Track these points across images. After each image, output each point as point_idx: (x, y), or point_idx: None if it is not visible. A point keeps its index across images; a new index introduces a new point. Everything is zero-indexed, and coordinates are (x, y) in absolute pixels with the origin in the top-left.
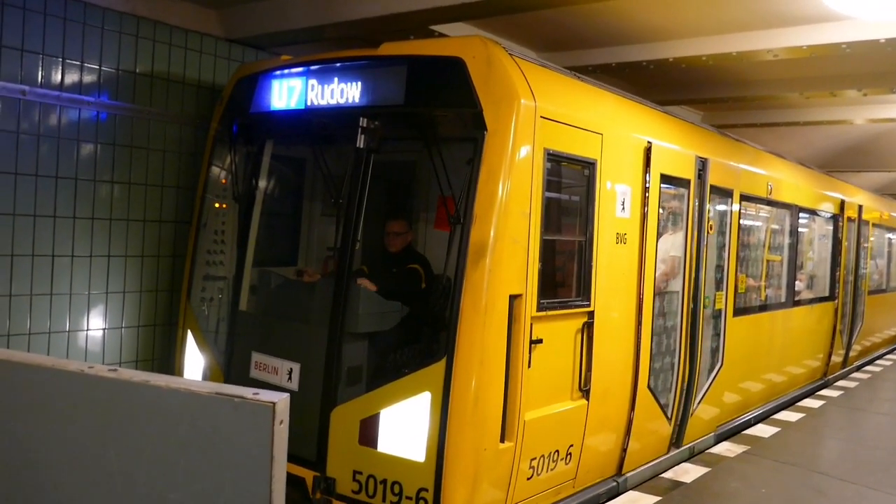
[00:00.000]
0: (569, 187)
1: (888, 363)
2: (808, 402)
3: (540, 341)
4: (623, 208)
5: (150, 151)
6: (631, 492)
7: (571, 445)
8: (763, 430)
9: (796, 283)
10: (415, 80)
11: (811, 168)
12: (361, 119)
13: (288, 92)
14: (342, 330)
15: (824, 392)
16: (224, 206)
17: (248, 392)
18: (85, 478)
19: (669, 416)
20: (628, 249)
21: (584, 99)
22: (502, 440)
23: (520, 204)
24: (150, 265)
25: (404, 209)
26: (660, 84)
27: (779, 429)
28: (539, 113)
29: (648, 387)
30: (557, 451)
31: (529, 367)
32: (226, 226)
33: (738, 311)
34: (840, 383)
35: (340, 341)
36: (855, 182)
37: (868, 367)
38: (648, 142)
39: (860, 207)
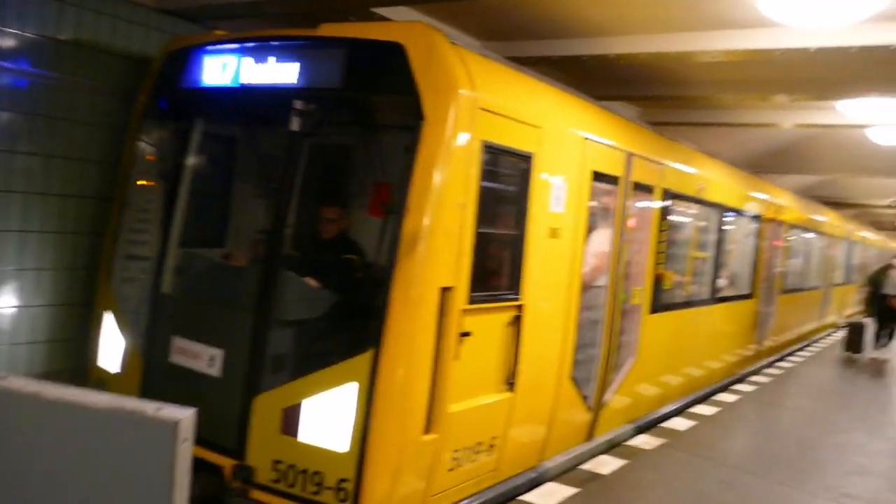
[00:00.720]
0: (505, 180)
1: (799, 359)
2: (724, 396)
3: (469, 334)
4: (557, 203)
5: (73, 123)
6: (550, 483)
7: (495, 437)
8: (680, 424)
9: (718, 280)
10: (353, 64)
11: (739, 169)
12: (297, 101)
13: (221, 69)
14: (269, 316)
15: (739, 387)
16: (150, 183)
17: (149, 408)
18: None
19: (590, 405)
20: (560, 244)
21: (523, 92)
22: (426, 432)
23: (455, 195)
24: (69, 242)
25: (339, 195)
26: (599, 79)
27: (695, 422)
28: (478, 104)
29: (572, 377)
30: (481, 442)
31: (457, 359)
32: (151, 204)
33: (657, 307)
34: (753, 378)
35: (266, 328)
36: (781, 183)
37: (780, 363)
38: (584, 137)
39: (779, 208)
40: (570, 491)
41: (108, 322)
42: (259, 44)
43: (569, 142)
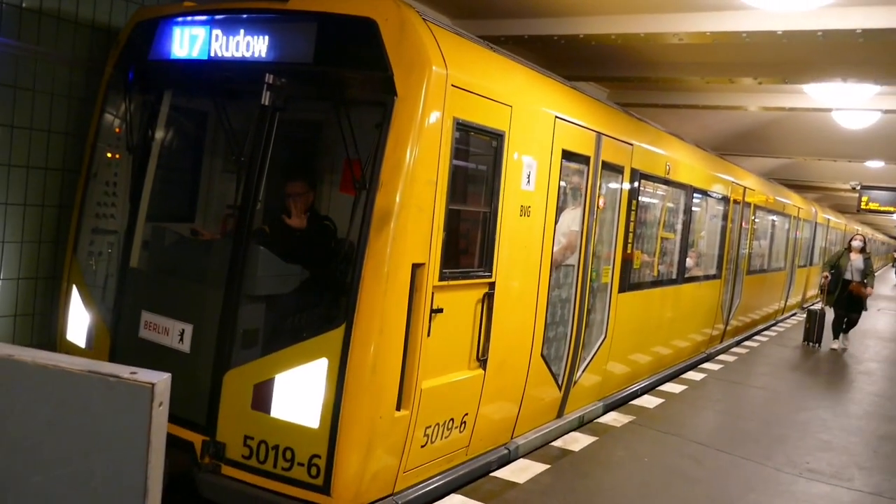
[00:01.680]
0: (476, 158)
1: (764, 339)
2: (691, 375)
3: (440, 311)
4: (528, 181)
5: (37, 93)
6: (522, 460)
7: (466, 414)
8: (649, 401)
9: (687, 260)
10: (324, 39)
11: (707, 150)
12: (267, 76)
13: (190, 41)
14: (239, 291)
15: (706, 365)
16: (117, 156)
17: (124, 371)
18: None
19: (560, 383)
20: (531, 222)
21: (495, 70)
22: (398, 408)
23: (427, 172)
24: (32, 214)
25: (308, 170)
26: (569, 59)
27: (663, 400)
28: (450, 81)
29: (542, 355)
30: (452, 419)
31: (429, 336)
32: (118, 177)
33: (626, 286)
34: (719, 357)
35: (237, 303)
36: (746, 165)
37: (746, 343)
38: (555, 116)
39: (745, 190)
40: (541, 467)
41: (75, 296)
42: (228, 16)
43: (540, 120)
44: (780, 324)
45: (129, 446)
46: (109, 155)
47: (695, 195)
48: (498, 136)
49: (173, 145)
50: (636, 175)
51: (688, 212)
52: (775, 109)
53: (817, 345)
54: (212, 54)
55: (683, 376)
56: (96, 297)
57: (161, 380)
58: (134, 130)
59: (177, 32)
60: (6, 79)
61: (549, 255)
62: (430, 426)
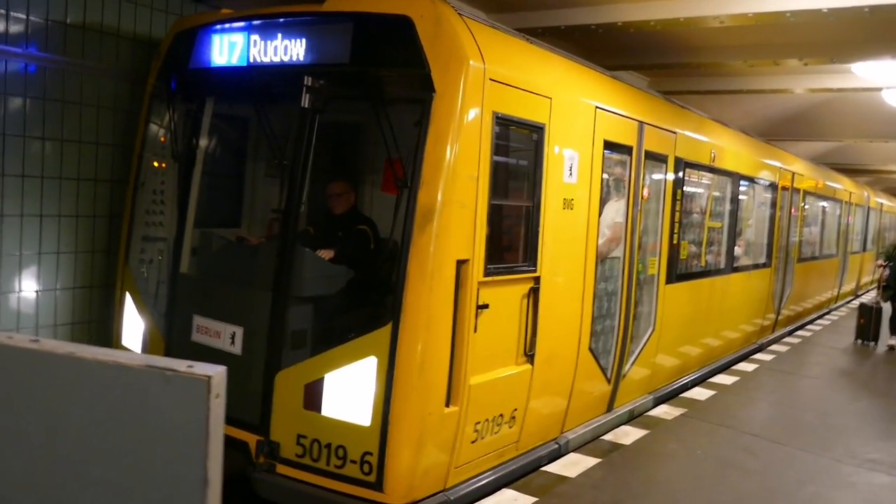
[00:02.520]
0: (517, 152)
1: (818, 328)
2: (743, 366)
3: (486, 306)
4: (571, 174)
5: (84, 107)
6: (572, 454)
7: (515, 409)
8: (700, 393)
9: (735, 249)
10: (361, 39)
11: (752, 136)
12: (306, 78)
13: (229, 48)
14: (287, 293)
15: (758, 356)
16: (163, 165)
17: (181, 365)
18: (7, 456)
19: (609, 377)
20: (574, 215)
21: (533, 62)
22: (447, 404)
23: (468, 168)
24: (85, 225)
25: (347, 170)
26: (608, 48)
27: (714, 392)
28: (488, 75)
29: (590, 349)
30: (502, 414)
31: (476, 332)
32: (165, 185)
33: (673, 277)
34: (772, 348)
35: (285, 305)
36: (794, 151)
37: (798, 332)
38: (595, 107)
39: (793, 175)
40: (592, 461)
41: (129, 303)
42: (266, 21)
43: (580, 111)
44: (833, 312)
45: (189, 438)
46: (156, 164)
47: (741, 182)
48: (538, 129)
49: (217, 152)
50: (680, 164)
51: (735, 200)
52: (823, 91)
53: (873, 343)
54: (251, 60)
55: (735, 367)
56: (149, 304)
57: (217, 372)
58: (178, 139)
59: (215, 40)
60: (55, 93)
61: (594, 247)
62: (479, 422)
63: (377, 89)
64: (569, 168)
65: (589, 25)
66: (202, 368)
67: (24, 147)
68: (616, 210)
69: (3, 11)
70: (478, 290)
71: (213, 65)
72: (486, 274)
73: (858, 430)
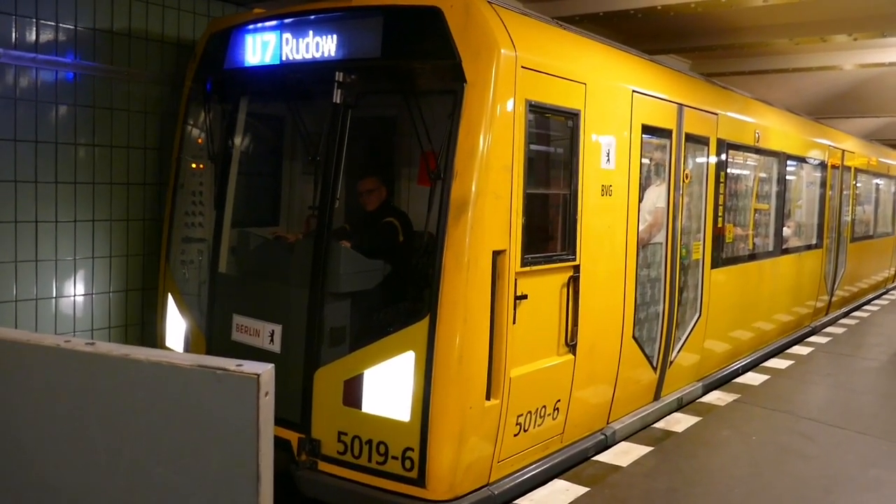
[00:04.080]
0: (552, 139)
1: (875, 308)
2: (797, 349)
3: (525, 297)
4: (608, 160)
5: (131, 113)
6: (623, 443)
7: (559, 400)
8: (753, 378)
9: (784, 230)
10: (391, 32)
11: (798, 114)
12: (337, 73)
13: (262, 47)
14: (323, 290)
15: (813, 339)
16: (201, 166)
17: (231, 364)
18: (68, 454)
19: (655, 365)
20: (613, 201)
21: (566, 47)
22: (488, 398)
23: (501, 158)
24: (134, 229)
25: (380, 165)
26: (648, 33)
27: (768, 376)
28: (520, 63)
29: (634, 337)
30: (545, 406)
31: (514, 323)
32: (203, 186)
33: (719, 261)
34: (827, 329)
35: (322, 302)
36: (844, 128)
37: (854, 314)
38: (632, 91)
39: (843, 153)
40: (644, 449)
41: (171, 305)
42: (297, 19)
43: (616, 96)
44: (891, 292)
45: (240, 435)
46: (194, 165)
47: (788, 162)
48: (573, 116)
49: (253, 151)
50: (723, 145)
51: (782, 180)
52: (873, 66)
53: None
54: (283, 58)
55: (789, 350)
56: (190, 304)
57: (265, 370)
58: (215, 140)
59: (248, 40)
60: (103, 101)
61: (635, 234)
62: (521, 414)
63: (409, 82)
64: (606, 154)
65: (628, 11)
66: (251, 367)
67: (76, 154)
68: (657, 195)
69: (52, 23)
70: (515, 280)
71: (246, 64)
72: (524, 264)
73: None
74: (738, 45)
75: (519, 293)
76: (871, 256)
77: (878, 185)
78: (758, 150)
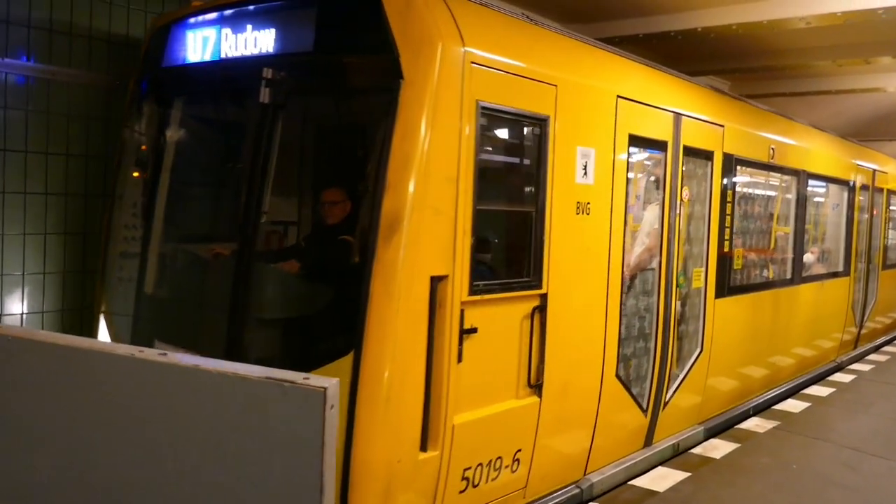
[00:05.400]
0: (514, 148)
1: None
2: (839, 377)
3: (474, 330)
4: (585, 173)
5: (70, 118)
6: (661, 467)
7: (520, 450)
8: (793, 406)
9: (805, 256)
10: (325, 23)
11: (823, 130)
12: (265, 70)
13: (200, 43)
14: (244, 317)
15: (855, 366)
16: (138, 175)
17: (298, 377)
18: (136, 458)
19: (644, 407)
20: (592, 221)
21: (533, 44)
22: (423, 448)
23: (444, 167)
24: (74, 243)
25: (313, 175)
26: (687, 54)
27: (809, 404)
28: (469, 58)
29: (617, 375)
30: (500, 457)
31: (460, 361)
32: (141, 198)
33: (725, 290)
34: (869, 357)
35: (241, 331)
36: (888, 151)
37: (886, 348)
38: (617, 96)
39: (875, 173)
40: (681, 475)
41: (102, 326)
42: (236, 11)
43: (596, 101)
44: None
45: (305, 447)
46: (133, 175)
47: (810, 182)
48: (540, 122)
49: (192, 159)
50: (730, 161)
51: (801, 202)
52: None
53: None
54: (222, 55)
55: (830, 378)
56: (119, 328)
57: (332, 384)
58: (151, 146)
59: (187, 36)
60: (41, 105)
61: (620, 258)
62: (469, 467)
63: (342, 79)
64: (583, 167)
65: (668, 32)
66: (318, 381)
67: (19, 161)
68: (648, 214)
69: None
70: (462, 311)
71: (184, 62)
72: (473, 292)
73: None
74: (780, 66)
75: (466, 326)
76: None
77: None
78: (773, 168)
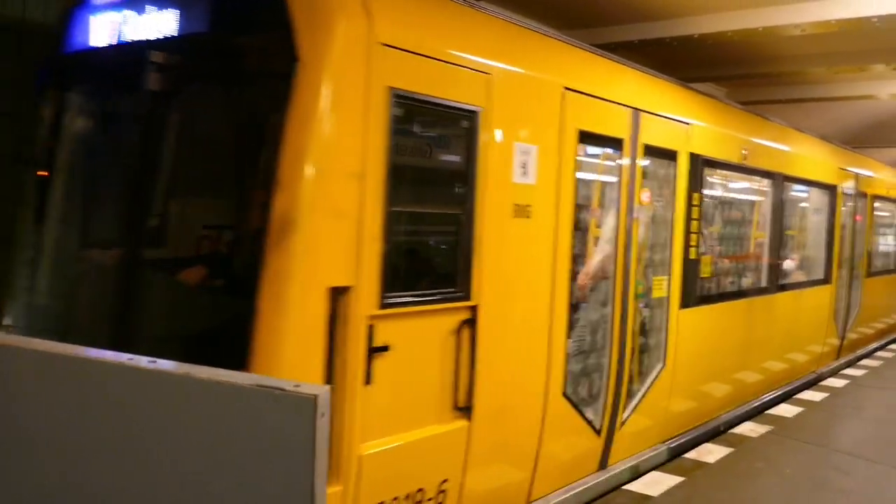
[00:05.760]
0: (437, 143)
1: (890, 354)
2: (832, 382)
3: (386, 348)
4: (525, 172)
5: None
6: (653, 472)
7: (445, 481)
8: (786, 410)
9: (785, 263)
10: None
11: (803, 131)
12: (152, 53)
13: (107, 26)
14: (124, 335)
15: (848, 371)
16: (41, 175)
17: (288, 384)
18: (128, 467)
19: (598, 428)
20: (533, 225)
21: (460, 26)
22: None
23: (347, 163)
24: None
25: (196, 172)
26: (684, 61)
27: (802, 409)
28: (378, 38)
29: (565, 394)
30: (422, 489)
31: (368, 383)
32: (47, 199)
33: (692, 300)
34: (864, 362)
35: (124, 347)
36: (881, 158)
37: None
38: (564, 88)
39: (858, 178)
40: (675, 479)
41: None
42: None
43: (539, 93)
44: None
45: (296, 454)
46: (38, 174)
47: (787, 185)
48: (469, 114)
49: (95, 156)
50: (697, 161)
51: (778, 206)
52: None
53: None
54: (121, 39)
55: (824, 383)
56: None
57: (322, 392)
58: (52, 142)
59: (89, 18)
60: None
61: (567, 264)
62: (383, 502)
63: (237, 62)
64: (521, 165)
65: (664, 38)
66: (308, 388)
67: None
68: (601, 217)
69: None
70: (370, 327)
71: (83, 47)
72: (385, 305)
73: None
74: (776, 73)
75: (376, 343)
76: (894, 293)
77: None
78: (746, 170)
